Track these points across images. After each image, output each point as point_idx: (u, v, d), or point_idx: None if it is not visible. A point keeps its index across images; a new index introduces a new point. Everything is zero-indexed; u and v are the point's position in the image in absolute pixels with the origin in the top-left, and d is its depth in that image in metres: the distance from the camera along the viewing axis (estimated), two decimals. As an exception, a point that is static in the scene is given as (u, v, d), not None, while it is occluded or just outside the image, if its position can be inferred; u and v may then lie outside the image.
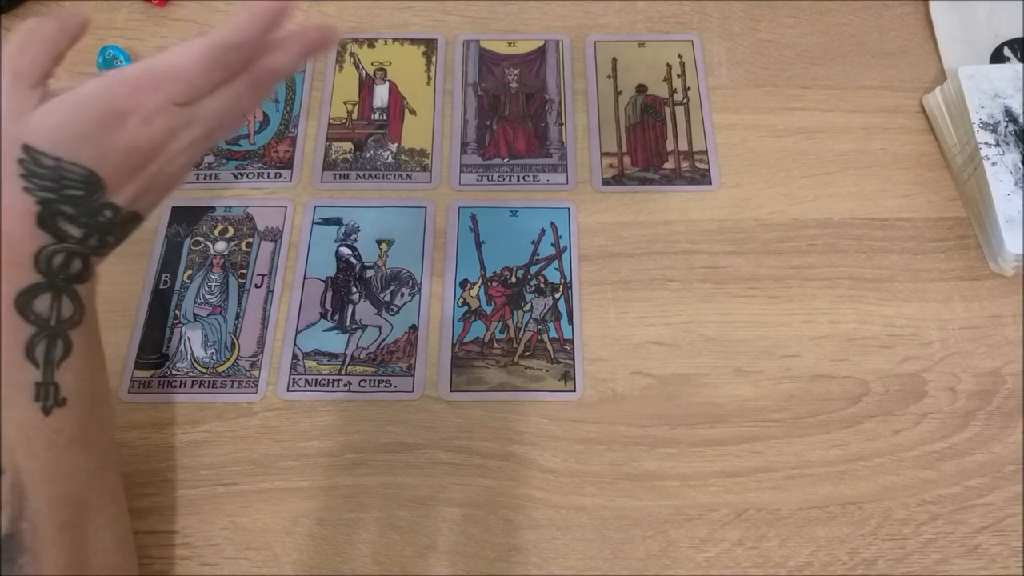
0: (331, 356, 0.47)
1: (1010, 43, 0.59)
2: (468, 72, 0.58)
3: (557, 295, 0.49)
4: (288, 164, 0.54)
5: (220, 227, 0.51)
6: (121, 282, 0.49)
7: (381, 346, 0.48)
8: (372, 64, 0.58)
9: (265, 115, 0.56)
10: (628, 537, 0.43)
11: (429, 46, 0.59)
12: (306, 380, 0.47)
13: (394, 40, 0.59)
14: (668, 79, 0.57)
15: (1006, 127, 0.51)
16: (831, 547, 0.43)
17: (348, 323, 0.48)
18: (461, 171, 0.54)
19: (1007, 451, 0.45)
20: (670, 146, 0.55)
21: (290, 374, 0.47)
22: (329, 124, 0.55)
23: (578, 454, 0.45)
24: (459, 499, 0.44)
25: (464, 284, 0.49)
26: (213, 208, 0.52)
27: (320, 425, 0.46)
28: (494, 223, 0.51)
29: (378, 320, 0.48)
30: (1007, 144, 0.51)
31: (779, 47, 0.59)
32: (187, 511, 0.43)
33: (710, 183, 0.53)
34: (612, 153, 0.54)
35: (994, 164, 0.50)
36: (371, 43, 0.59)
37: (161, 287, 0.49)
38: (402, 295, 0.49)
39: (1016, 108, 0.52)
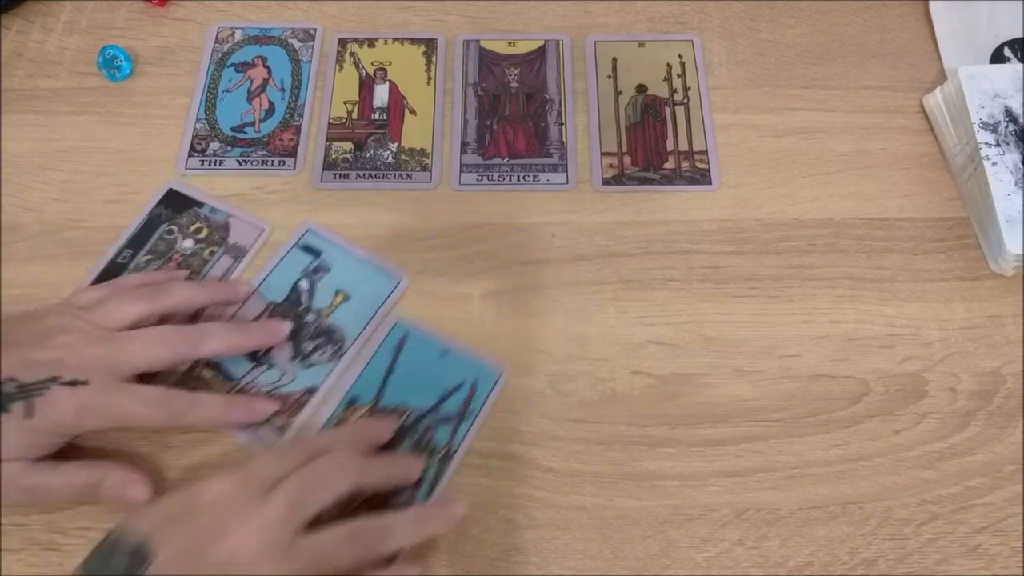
0: (226, 377, 0.46)
1: (1010, 43, 0.59)
2: (468, 72, 0.58)
3: (432, 460, 0.43)
4: (292, 152, 0.54)
5: (197, 225, 0.50)
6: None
7: (273, 392, 0.45)
8: (372, 64, 0.58)
9: (271, 103, 0.56)
10: (628, 537, 0.43)
11: (429, 46, 0.59)
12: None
13: (394, 40, 0.59)
14: (668, 79, 0.57)
15: (1006, 127, 0.51)
16: (831, 547, 0.43)
17: (260, 354, 0.46)
18: (461, 171, 0.54)
19: (1007, 451, 0.45)
20: (670, 146, 0.55)
21: (182, 378, 0.46)
22: (329, 124, 0.55)
23: (578, 454, 0.45)
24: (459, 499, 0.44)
25: (352, 403, 0.45)
26: (202, 204, 0.51)
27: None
28: (419, 353, 0.46)
29: (287, 366, 0.46)
30: (1007, 144, 0.51)
31: (779, 47, 0.59)
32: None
33: (710, 183, 0.53)
34: (612, 153, 0.54)
35: (994, 164, 0.50)
36: (371, 43, 0.59)
37: (119, 260, 0.49)
38: (323, 353, 0.46)
39: (1016, 108, 0.52)
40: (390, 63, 0.58)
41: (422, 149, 0.54)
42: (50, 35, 0.59)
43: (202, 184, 0.53)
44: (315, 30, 0.59)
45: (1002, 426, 0.46)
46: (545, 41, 0.59)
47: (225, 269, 0.49)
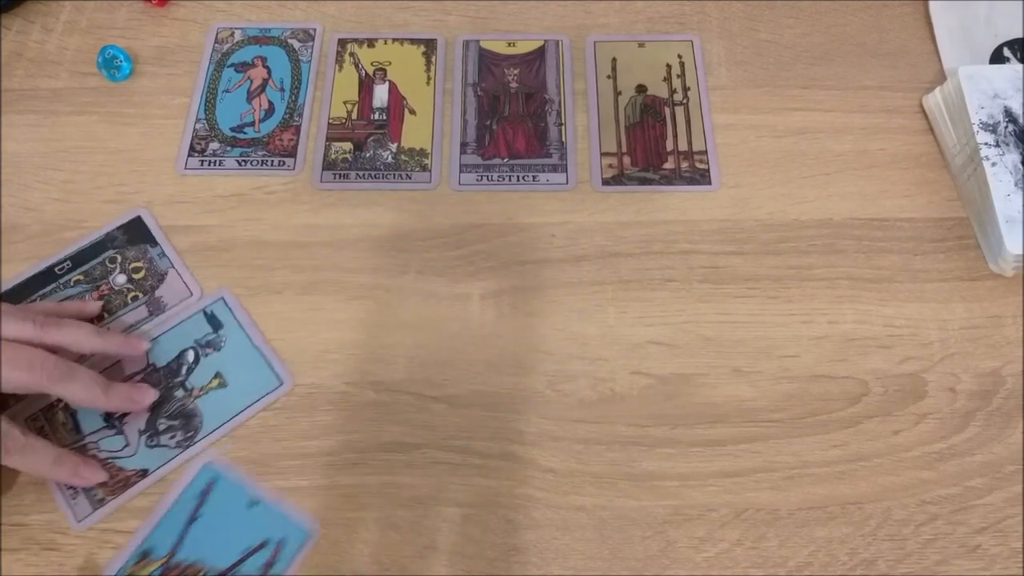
0: (76, 427, 0.44)
1: (1010, 43, 0.59)
2: (468, 72, 0.58)
3: None
4: (292, 152, 0.54)
5: (139, 264, 0.49)
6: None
7: (109, 460, 0.44)
8: (372, 64, 0.58)
9: (271, 103, 0.56)
10: (627, 537, 0.43)
11: (429, 46, 0.59)
12: (39, 429, 0.44)
13: (394, 40, 0.59)
14: (668, 79, 0.57)
15: (1006, 127, 0.51)
16: (830, 547, 0.43)
17: (115, 414, 0.45)
18: (461, 171, 0.54)
19: (1007, 451, 0.45)
20: (670, 146, 0.55)
21: (40, 411, 0.45)
22: (329, 124, 0.55)
23: (578, 454, 0.45)
24: (459, 499, 0.44)
25: (144, 556, 0.41)
26: (156, 244, 0.50)
27: (319, 425, 0.46)
28: (226, 502, 0.43)
29: (133, 437, 0.44)
30: (1007, 144, 0.51)
31: (779, 47, 0.59)
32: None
33: (710, 183, 0.53)
34: (612, 153, 0.54)
35: (994, 164, 0.50)
36: (371, 43, 0.59)
37: (56, 270, 0.48)
38: (172, 437, 0.44)
39: (1016, 108, 0.52)
40: (390, 63, 0.58)
41: (422, 149, 0.54)
42: (50, 35, 0.59)
43: (201, 184, 0.53)
44: (315, 30, 0.59)
45: (1001, 427, 0.46)
46: (545, 41, 0.59)
47: (137, 320, 0.48)
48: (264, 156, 0.54)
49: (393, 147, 0.54)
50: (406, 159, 0.54)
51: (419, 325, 0.48)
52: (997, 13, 0.60)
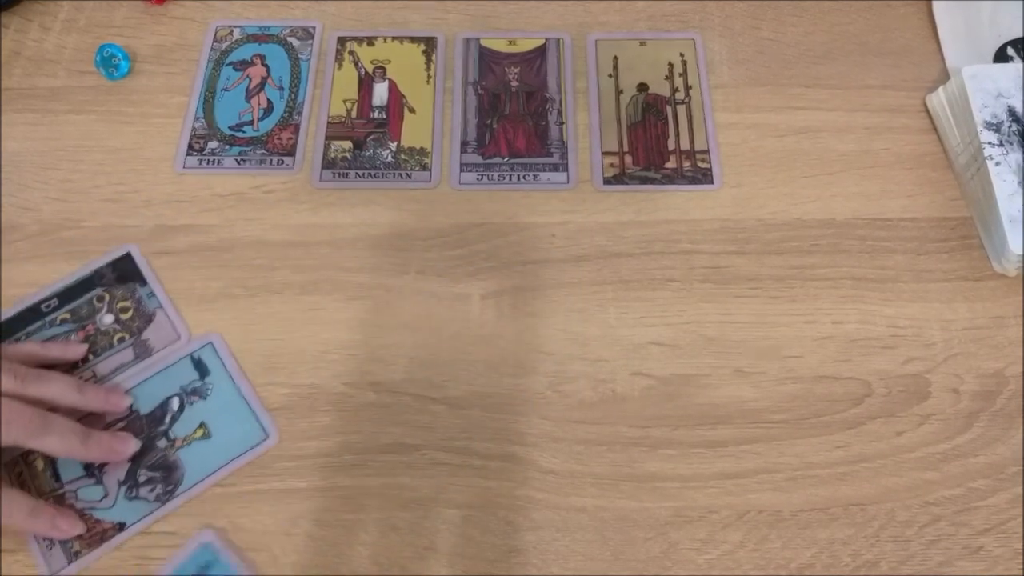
0: (55, 475, 0.43)
1: (1013, 43, 0.58)
2: (468, 70, 0.57)
3: None
4: (291, 151, 0.54)
5: (127, 303, 0.47)
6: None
7: (87, 511, 0.42)
8: (371, 62, 0.57)
9: (270, 102, 0.56)
10: (629, 539, 0.43)
11: (429, 44, 0.58)
12: (19, 475, 0.43)
13: (393, 38, 0.59)
14: (669, 78, 0.57)
15: (1009, 127, 0.51)
16: (833, 549, 0.42)
17: (96, 465, 0.43)
18: (461, 170, 0.53)
19: (1010, 452, 0.45)
20: (671, 145, 0.55)
21: (17, 457, 0.44)
22: (328, 122, 0.55)
23: (578, 455, 0.45)
24: (459, 500, 0.44)
25: None
26: (146, 283, 0.48)
27: (319, 425, 0.45)
28: None
29: (112, 488, 0.42)
30: (1010, 144, 0.51)
31: (781, 46, 0.59)
32: (185, 512, 0.43)
33: (712, 182, 0.53)
34: (613, 152, 0.54)
35: (997, 164, 0.50)
36: (370, 41, 0.58)
37: (42, 307, 0.47)
38: (152, 490, 0.43)
39: (1019, 108, 0.52)
40: (389, 61, 0.58)
41: (422, 148, 0.54)
42: (48, 34, 0.59)
43: (200, 183, 0.53)
44: (314, 28, 0.59)
45: (1005, 427, 0.46)
46: (546, 40, 0.59)
47: (122, 363, 0.46)
48: (263, 155, 0.54)
49: (393, 146, 0.54)
50: (406, 158, 0.54)
51: (419, 325, 0.48)
52: (1001, 12, 0.60)
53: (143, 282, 0.48)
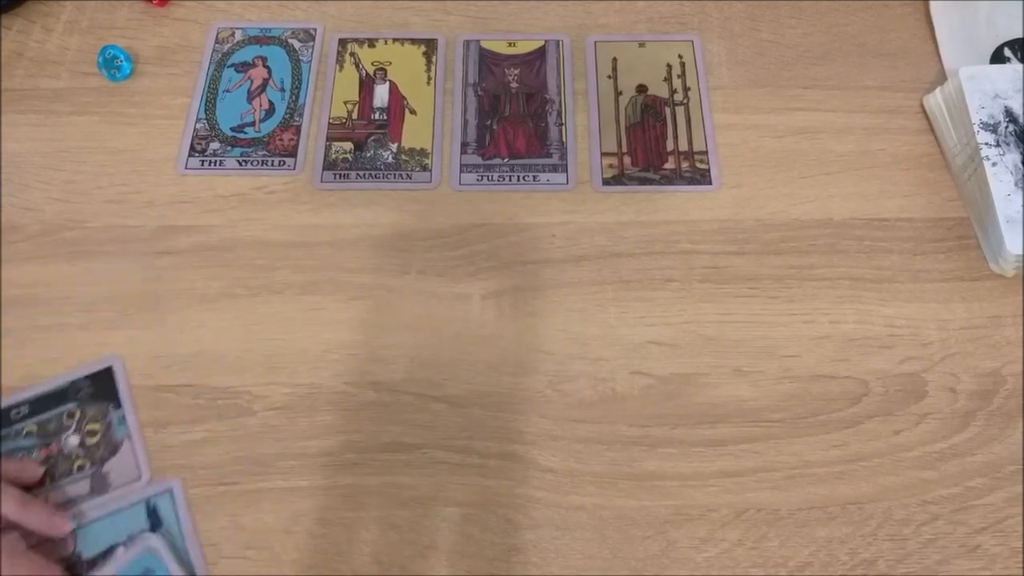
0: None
1: (1010, 43, 0.59)
2: (468, 72, 0.58)
3: None
4: (292, 152, 0.54)
5: (96, 426, 0.45)
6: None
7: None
8: (372, 64, 0.58)
9: (271, 103, 0.56)
10: (628, 537, 0.43)
11: (429, 46, 0.59)
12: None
13: (394, 40, 0.59)
14: (668, 79, 0.57)
15: (1006, 127, 0.51)
16: (831, 547, 0.43)
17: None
18: (461, 171, 0.54)
19: (1007, 451, 0.45)
20: (670, 146, 0.55)
21: None
22: (329, 124, 0.55)
23: (578, 454, 0.45)
24: (459, 499, 0.44)
25: None
26: (120, 405, 0.45)
27: (320, 424, 0.46)
28: None
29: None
30: (1007, 144, 0.51)
31: (780, 47, 0.59)
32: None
33: (710, 183, 0.53)
34: (612, 153, 0.54)
35: (994, 164, 0.50)
36: (371, 43, 0.59)
37: (12, 414, 0.45)
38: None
39: (1016, 108, 0.52)
40: (390, 63, 0.58)
41: (422, 149, 0.54)
42: (51, 35, 0.59)
43: (202, 184, 0.53)
44: (315, 30, 0.59)
45: (1002, 427, 0.46)
46: (545, 41, 0.59)
47: (77, 494, 0.43)
48: (264, 156, 0.54)
49: (393, 147, 0.54)
50: (406, 159, 0.54)
51: (419, 325, 0.48)
52: (998, 13, 0.60)
53: (117, 404, 0.46)
